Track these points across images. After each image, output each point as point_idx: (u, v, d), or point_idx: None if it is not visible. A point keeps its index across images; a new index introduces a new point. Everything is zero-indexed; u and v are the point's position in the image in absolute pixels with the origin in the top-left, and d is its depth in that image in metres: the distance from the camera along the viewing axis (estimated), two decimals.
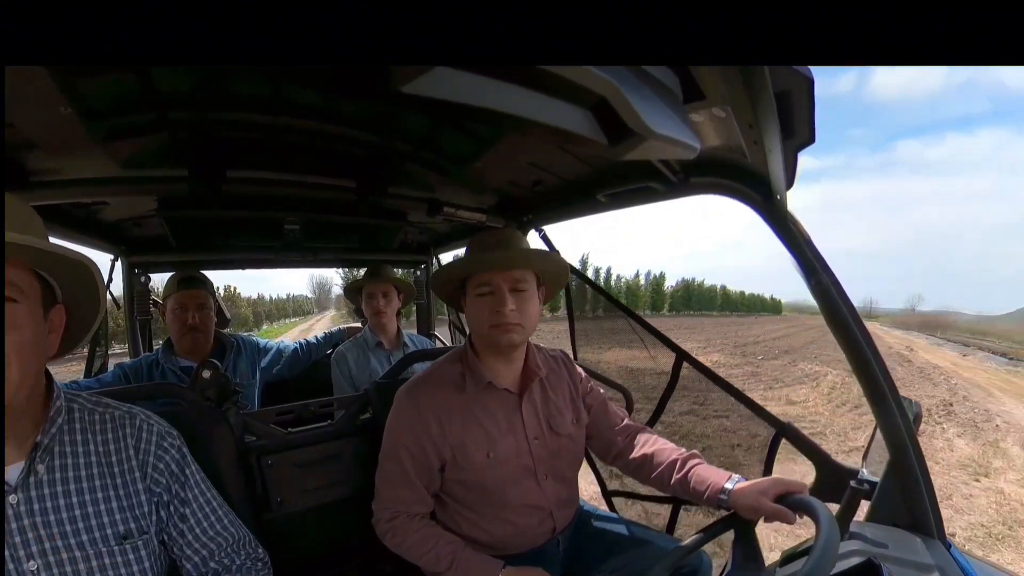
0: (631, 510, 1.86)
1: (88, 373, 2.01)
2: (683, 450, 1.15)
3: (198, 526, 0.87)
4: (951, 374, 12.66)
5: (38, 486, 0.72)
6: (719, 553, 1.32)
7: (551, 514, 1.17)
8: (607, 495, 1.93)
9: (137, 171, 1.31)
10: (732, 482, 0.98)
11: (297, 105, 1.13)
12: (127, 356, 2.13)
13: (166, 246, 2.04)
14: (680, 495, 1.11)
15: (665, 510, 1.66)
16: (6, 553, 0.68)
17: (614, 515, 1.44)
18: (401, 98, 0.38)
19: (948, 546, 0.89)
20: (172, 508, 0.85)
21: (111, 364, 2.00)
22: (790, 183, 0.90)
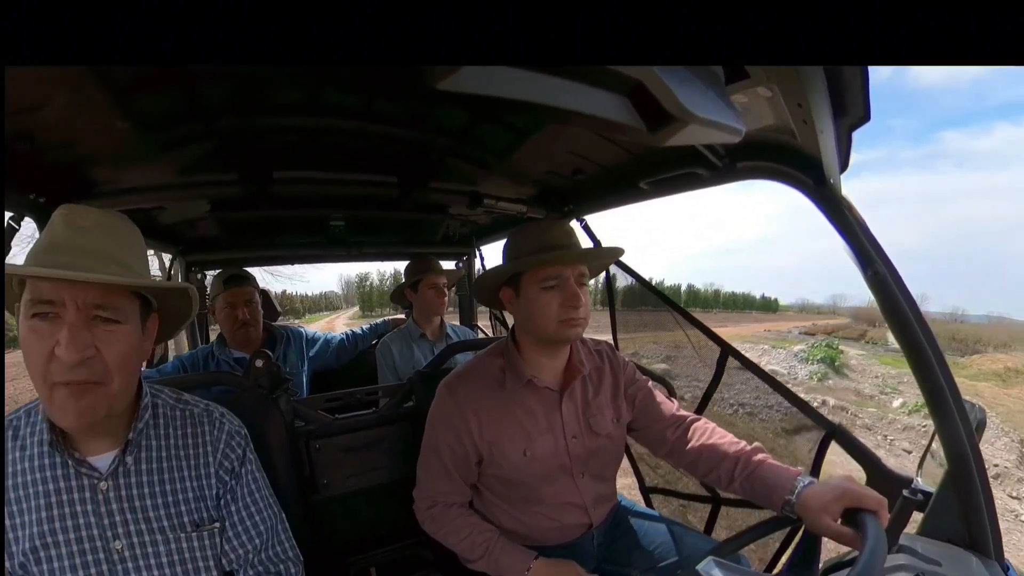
0: (669, 507, 1.83)
1: (150, 364, 2.17)
2: (743, 443, 1.05)
3: (241, 524, 0.89)
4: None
5: (126, 475, 0.80)
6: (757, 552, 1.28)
7: (587, 510, 1.16)
8: (645, 491, 1.90)
9: (191, 177, 1.39)
10: (800, 485, 0.88)
11: (337, 107, 1.16)
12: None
13: (220, 245, 2.17)
14: (744, 497, 1.03)
15: (704, 509, 1.62)
16: (95, 532, 0.77)
17: (652, 512, 1.41)
18: (437, 95, 0.38)
19: (1006, 568, 0.82)
20: (223, 501, 0.90)
21: (170, 355, 2.15)
22: (844, 165, 0.84)
